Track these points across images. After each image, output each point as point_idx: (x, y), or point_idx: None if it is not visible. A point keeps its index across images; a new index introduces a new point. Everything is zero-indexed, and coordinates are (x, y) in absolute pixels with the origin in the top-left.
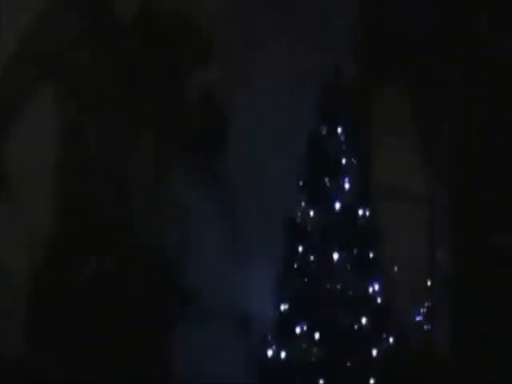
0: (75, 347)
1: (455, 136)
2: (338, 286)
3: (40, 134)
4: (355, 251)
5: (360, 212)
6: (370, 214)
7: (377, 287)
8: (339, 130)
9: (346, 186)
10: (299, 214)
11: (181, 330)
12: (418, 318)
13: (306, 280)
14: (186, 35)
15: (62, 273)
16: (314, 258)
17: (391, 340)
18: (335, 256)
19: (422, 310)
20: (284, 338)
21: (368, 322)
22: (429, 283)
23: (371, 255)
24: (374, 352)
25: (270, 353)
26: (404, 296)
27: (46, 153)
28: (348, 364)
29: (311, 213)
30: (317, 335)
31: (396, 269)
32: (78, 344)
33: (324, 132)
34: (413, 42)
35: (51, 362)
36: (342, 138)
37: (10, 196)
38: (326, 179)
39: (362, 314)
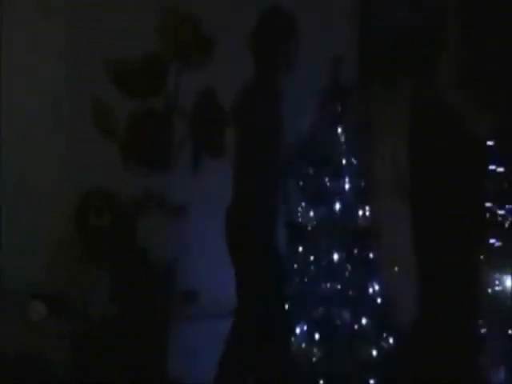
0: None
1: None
2: (338, 286)
3: None
4: (355, 251)
5: (360, 212)
6: (370, 213)
7: (377, 287)
8: (339, 130)
9: (346, 186)
10: (299, 214)
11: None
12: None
13: (306, 280)
14: None
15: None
16: (314, 258)
17: (391, 340)
18: (335, 256)
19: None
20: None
21: (368, 321)
22: None
23: (371, 255)
24: (374, 352)
25: None
26: (404, 296)
27: None
28: (348, 364)
29: (311, 213)
30: (317, 335)
31: (396, 269)
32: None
33: (324, 132)
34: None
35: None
36: (342, 138)
37: None
38: (326, 179)
39: (362, 314)
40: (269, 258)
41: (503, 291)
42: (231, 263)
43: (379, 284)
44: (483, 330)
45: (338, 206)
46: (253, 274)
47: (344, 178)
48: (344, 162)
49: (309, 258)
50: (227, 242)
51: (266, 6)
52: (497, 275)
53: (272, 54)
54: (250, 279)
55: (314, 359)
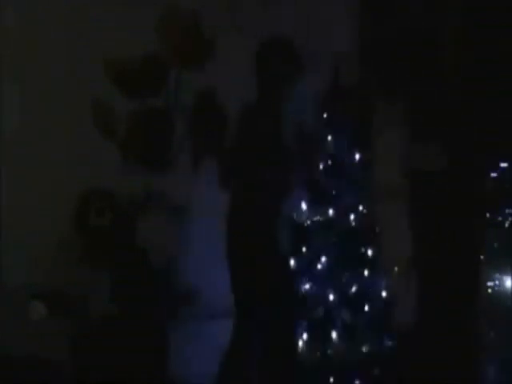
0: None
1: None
2: (339, 285)
3: None
4: (354, 251)
5: (360, 212)
6: (371, 213)
7: (377, 287)
8: (340, 131)
9: (347, 186)
10: (299, 213)
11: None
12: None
13: (305, 280)
14: None
15: None
16: (314, 258)
17: (391, 340)
18: (335, 256)
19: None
20: None
21: (368, 321)
22: None
23: (371, 255)
24: (374, 352)
25: None
26: (404, 296)
27: None
28: (348, 364)
29: (311, 213)
30: (317, 335)
31: (396, 269)
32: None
33: (324, 132)
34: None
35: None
36: (342, 138)
37: None
38: (327, 179)
39: (362, 314)
40: (272, 260)
41: (503, 291)
42: (230, 264)
43: (379, 284)
44: (483, 330)
45: (338, 206)
46: (255, 276)
47: (344, 178)
48: (344, 162)
49: (309, 258)
50: (228, 243)
51: (269, 35)
52: (497, 275)
53: (273, 82)
54: (252, 280)
55: (313, 359)
